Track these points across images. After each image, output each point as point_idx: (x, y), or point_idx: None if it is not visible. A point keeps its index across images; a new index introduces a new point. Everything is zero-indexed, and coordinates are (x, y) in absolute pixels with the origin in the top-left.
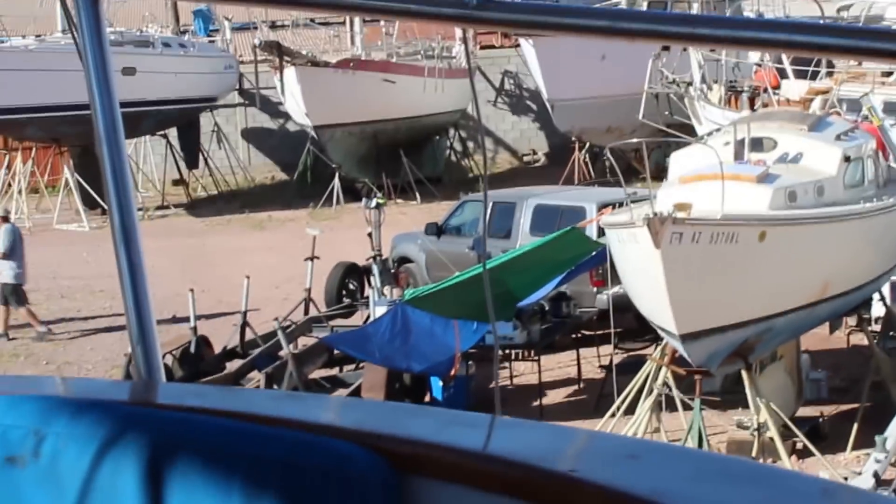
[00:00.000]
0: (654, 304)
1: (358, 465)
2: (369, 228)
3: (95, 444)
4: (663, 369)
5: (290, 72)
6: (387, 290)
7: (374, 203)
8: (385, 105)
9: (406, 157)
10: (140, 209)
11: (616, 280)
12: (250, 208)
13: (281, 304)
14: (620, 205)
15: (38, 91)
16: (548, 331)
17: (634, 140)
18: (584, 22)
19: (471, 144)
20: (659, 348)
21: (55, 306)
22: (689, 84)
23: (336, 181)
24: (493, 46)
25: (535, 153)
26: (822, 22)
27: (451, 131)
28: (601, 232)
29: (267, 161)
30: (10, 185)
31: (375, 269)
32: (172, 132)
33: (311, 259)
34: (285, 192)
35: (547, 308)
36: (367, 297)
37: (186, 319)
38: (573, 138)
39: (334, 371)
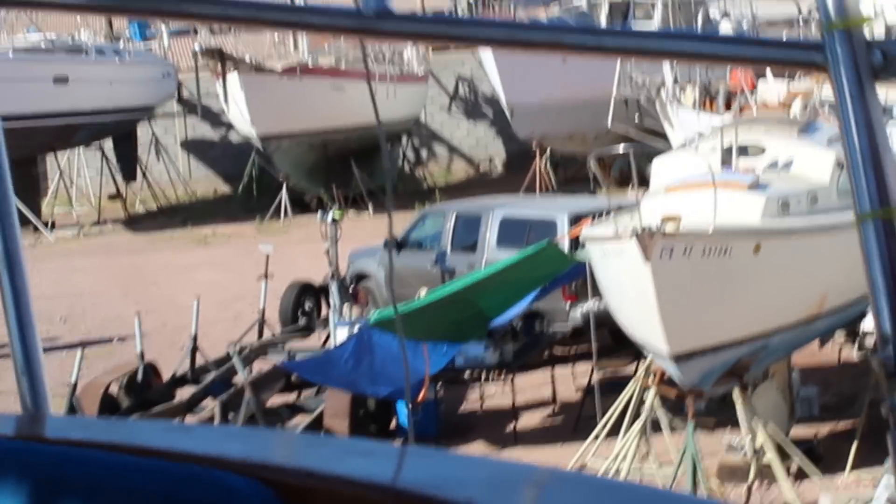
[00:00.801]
0: (642, 323)
1: (243, 498)
2: (326, 244)
3: None
4: (650, 390)
5: (233, 78)
6: (345, 309)
7: (330, 217)
8: (334, 113)
9: (357, 168)
10: (75, 225)
11: (590, 295)
12: (193, 223)
13: (231, 325)
14: (597, 216)
15: None
16: (521, 350)
17: (621, 146)
18: (484, 33)
19: (424, 153)
20: (643, 367)
21: None
22: (661, 87)
23: (283, 193)
24: (446, 49)
25: (492, 161)
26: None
27: (404, 140)
28: (574, 245)
29: (209, 173)
30: None
31: (334, 288)
32: (108, 143)
33: (265, 277)
34: (229, 206)
35: (518, 327)
36: (325, 318)
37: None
38: (533, 145)
39: (292, 396)
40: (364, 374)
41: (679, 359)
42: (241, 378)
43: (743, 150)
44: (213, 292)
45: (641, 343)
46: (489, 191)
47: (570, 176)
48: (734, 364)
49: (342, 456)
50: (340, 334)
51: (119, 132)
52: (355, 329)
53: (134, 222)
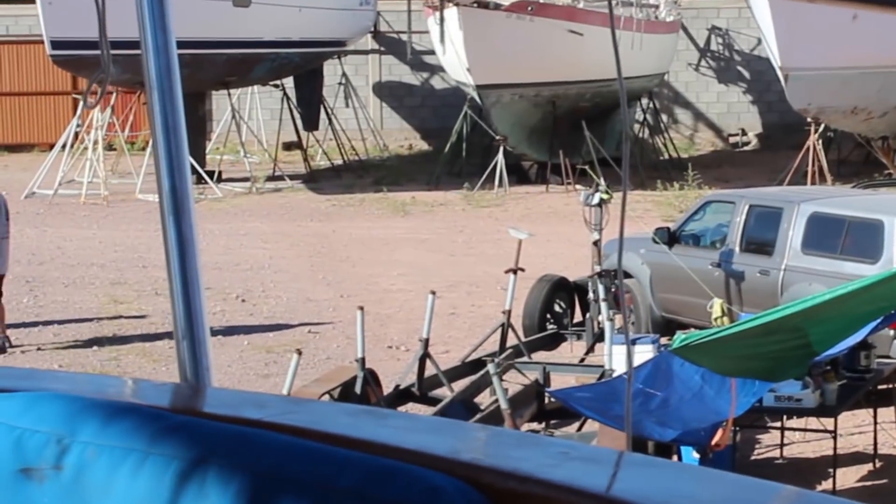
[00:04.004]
0: None
1: (450, 500)
2: (593, 234)
3: (131, 458)
4: None
5: (451, 14)
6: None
7: (596, 198)
8: (569, 63)
9: (589, 132)
10: (246, 178)
11: None
12: (387, 185)
13: (447, 322)
14: None
15: (124, 23)
16: (845, 391)
17: None
18: None
19: (665, 118)
20: None
21: (149, 305)
22: None
23: (500, 157)
24: None
25: (744, 133)
26: None
27: (644, 101)
28: None
29: (403, 125)
30: (81, 138)
31: (601, 290)
32: (288, 82)
33: (515, 271)
34: (428, 167)
35: (840, 360)
36: (581, 325)
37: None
38: (808, 119)
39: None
40: (653, 412)
41: None
42: (488, 399)
43: None
44: (420, 277)
45: None
46: (743, 170)
47: (843, 158)
48: None
49: (560, 460)
50: (616, 351)
51: (303, 70)
52: (637, 349)
53: (316, 178)
